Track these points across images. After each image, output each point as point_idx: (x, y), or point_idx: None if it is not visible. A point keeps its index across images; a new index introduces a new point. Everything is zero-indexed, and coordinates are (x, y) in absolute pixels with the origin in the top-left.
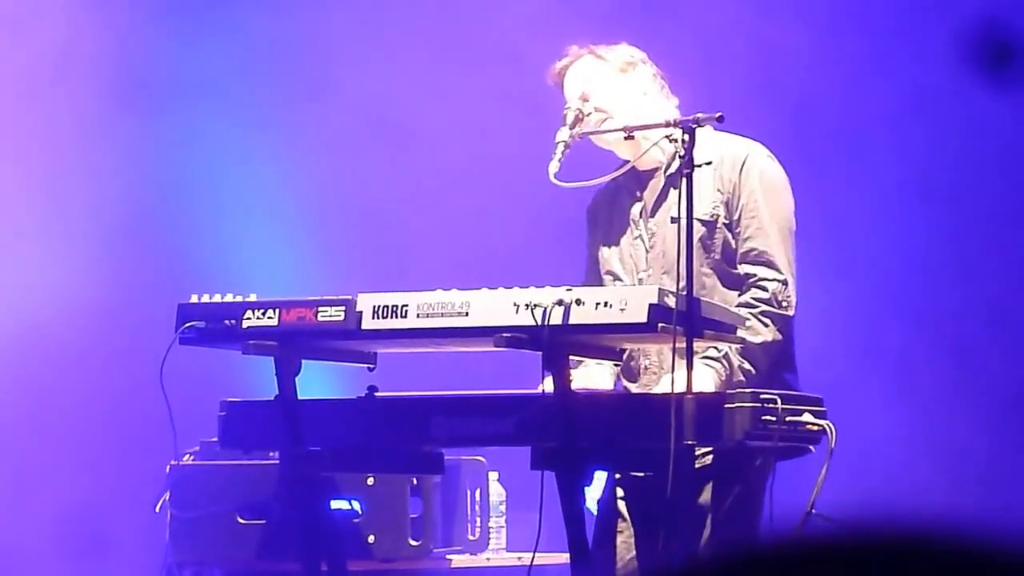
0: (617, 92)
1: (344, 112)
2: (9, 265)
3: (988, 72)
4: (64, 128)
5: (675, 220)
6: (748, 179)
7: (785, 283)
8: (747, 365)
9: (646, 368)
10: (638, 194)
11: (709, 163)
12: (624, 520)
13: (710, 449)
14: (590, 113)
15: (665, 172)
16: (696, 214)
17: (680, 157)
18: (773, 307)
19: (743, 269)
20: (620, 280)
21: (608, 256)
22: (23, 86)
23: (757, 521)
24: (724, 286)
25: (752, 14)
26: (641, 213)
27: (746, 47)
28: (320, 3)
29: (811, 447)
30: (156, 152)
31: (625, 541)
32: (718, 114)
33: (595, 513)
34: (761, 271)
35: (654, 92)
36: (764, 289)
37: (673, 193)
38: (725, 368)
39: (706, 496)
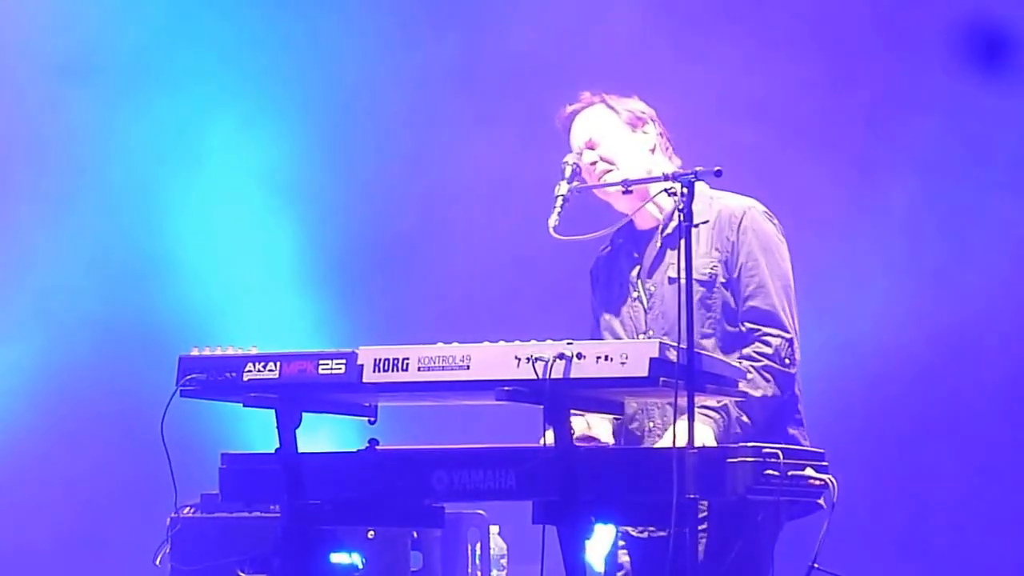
0: (624, 145)
1: (346, 165)
2: (10, 316)
3: (986, 68)
4: (60, 183)
5: (673, 281)
6: (745, 238)
7: (790, 341)
8: (745, 418)
9: (650, 430)
10: (636, 255)
11: (706, 222)
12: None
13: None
14: (595, 162)
15: (662, 232)
16: (694, 274)
17: (679, 211)
18: (775, 363)
19: (747, 326)
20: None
21: (609, 319)
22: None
23: None
24: (723, 347)
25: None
26: (639, 274)
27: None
28: (327, 51)
29: (821, 503)
30: (157, 206)
31: None
32: (716, 168)
33: (595, 569)
34: (765, 328)
35: (659, 150)
36: (768, 344)
37: (670, 254)
38: (723, 419)
39: (710, 551)
